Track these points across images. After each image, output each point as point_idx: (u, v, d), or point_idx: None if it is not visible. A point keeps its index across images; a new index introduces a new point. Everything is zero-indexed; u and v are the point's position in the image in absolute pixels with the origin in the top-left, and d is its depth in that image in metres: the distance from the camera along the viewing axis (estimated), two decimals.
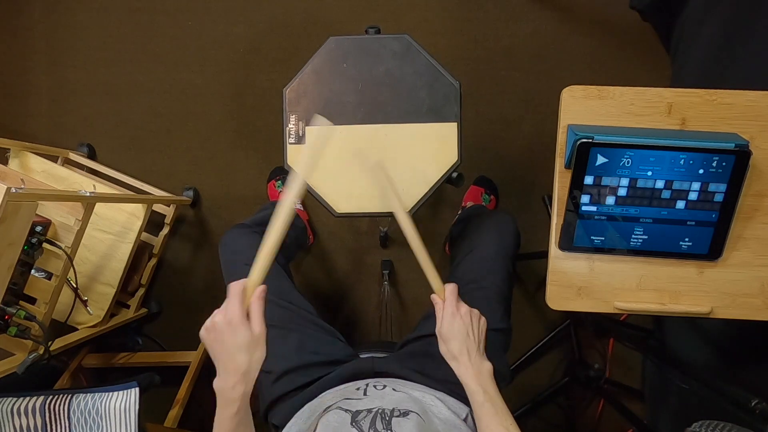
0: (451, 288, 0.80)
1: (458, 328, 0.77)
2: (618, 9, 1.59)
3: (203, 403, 1.73)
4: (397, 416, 0.72)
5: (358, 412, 0.73)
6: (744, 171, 0.81)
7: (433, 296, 0.83)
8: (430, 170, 0.99)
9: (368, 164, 0.89)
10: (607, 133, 0.83)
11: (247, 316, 0.67)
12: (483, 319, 0.82)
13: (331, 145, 1.00)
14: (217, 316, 0.67)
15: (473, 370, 0.75)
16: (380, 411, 0.73)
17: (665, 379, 1.45)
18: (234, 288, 0.68)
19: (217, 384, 0.69)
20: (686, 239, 0.86)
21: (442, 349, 0.79)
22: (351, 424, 0.71)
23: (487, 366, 0.77)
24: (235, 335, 0.65)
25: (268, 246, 0.70)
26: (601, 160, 0.83)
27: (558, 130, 0.89)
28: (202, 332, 0.68)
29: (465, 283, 1.01)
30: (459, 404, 0.86)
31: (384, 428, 0.69)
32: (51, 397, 1.11)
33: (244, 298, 0.68)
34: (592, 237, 0.88)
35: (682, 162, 0.82)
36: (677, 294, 0.89)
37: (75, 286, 1.30)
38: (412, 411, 0.73)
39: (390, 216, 1.03)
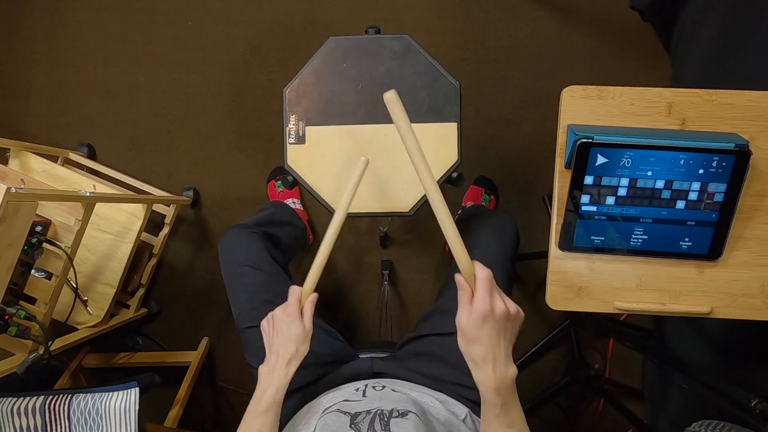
0: (485, 275, 0.65)
1: (488, 333, 0.65)
2: (618, 9, 1.59)
3: (203, 403, 1.73)
4: (396, 417, 0.72)
5: (357, 414, 0.73)
6: (744, 171, 0.81)
7: (458, 277, 0.67)
8: None
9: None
10: (607, 133, 0.83)
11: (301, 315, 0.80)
12: (521, 315, 0.68)
13: (330, 144, 1.00)
14: (278, 311, 0.80)
15: (495, 381, 0.65)
16: (379, 412, 0.73)
17: (665, 379, 1.45)
18: (293, 290, 0.81)
19: (263, 368, 0.78)
20: (686, 239, 0.86)
21: (461, 344, 0.66)
22: (350, 426, 0.71)
23: (512, 373, 0.67)
24: (290, 327, 0.78)
25: (319, 261, 0.82)
26: (601, 160, 0.83)
27: (558, 130, 0.89)
28: (263, 322, 0.81)
29: None
30: (458, 405, 0.86)
31: (382, 429, 0.69)
32: (51, 397, 1.11)
33: (300, 300, 0.81)
34: (592, 237, 0.88)
35: (682, 162, 0.82)
36: (677, 294, 0.89)
37: (75, 286, 1.30)
38: (410, 411, 0.73)
39: (390, 216, 1.03)
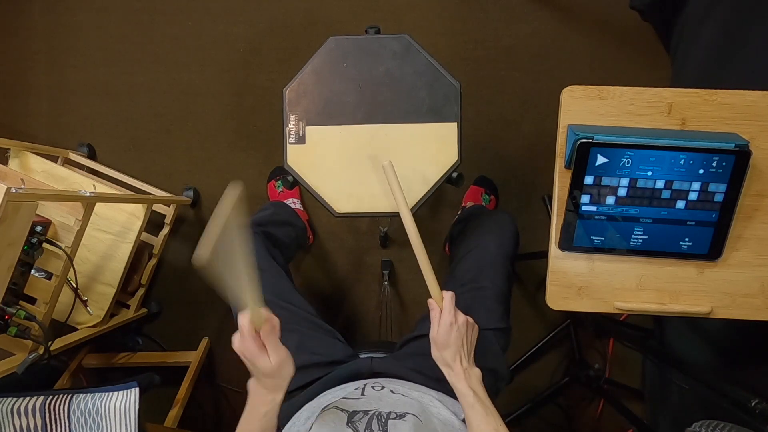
0: (449, 296, 0.82)
1: (455, 339, 0.79)
2: (618, 9, 1.59)
3: (203, 403, 1.73)
4: (394, 418, 0.72)
5: (355, 412, 0.73)
6: (744, 171, 0.81)
7: (430, 301, 0.84)
8: (430, 170, 0.99)
9: (381, 164, 0.89)
10: (607, 133, 0.83)
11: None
12: (476, 327, 0.84)
13: (330, 144, 1.00)
14: (237, 345, 0.70)
15: (464, 373, 0.79)
16: (377, 414, 0.73)
17: (665, 379, 1.45)
18: (242, 325, 0.68)
19: (251, 385, 0.75)
20: (686, 239, 0.86)
21: (435, 354, 0.82)
22: (347, 424, 0.71)
23: (477, 372, 0.81)
24: (256, 366, 0.70)
25: (244, 271, 0.65)
26: (601, 160, 0.83)
27: (558, 130, 0.89)
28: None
29: (464, 283, 1.01)
30: (457, 405, 0.86)
31: (380, 429, 0.70)
32: (51, 397, 1.11)
33: (255, 329, 0.69)
34: (592, 237, 0.88)
35: (682, 162, 0.82)
36: (677, 294, 0.89)
37: (75, 286, 1.30)
38: (408, 413, 0.74)
39: (390, 216, 1.03)
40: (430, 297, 0.85)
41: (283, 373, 0.72)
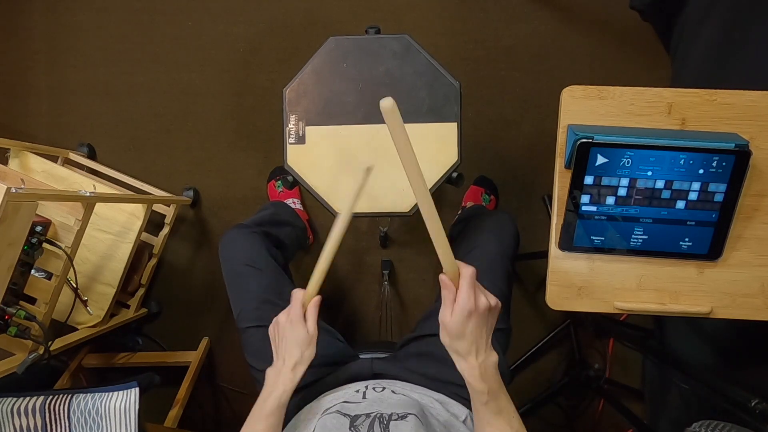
0: (469, 274, 0.66)
1: (472, 329, 0.66)
2: (618, 9, 1.59)
3: (203, 403, 1.73)
4: (396, 419, 0.72)
5: (357, 416, 0.73)
6: (744, 171, 0.81)
7: (442, 277, 0.68)
8: (430, 170, 0.99)
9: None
10: (607, 133, 0.83)
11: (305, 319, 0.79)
12: (500, 305, 0.70)
13: (330, 144, 1.00)
14: (282, 316, 0.79)
15: (479, 369, 0.67)
16: (378, 415, 0.73)
17: (665, 379, 1.45)
18: (296, 295, 0.80)
19: (270, 370, 0.79)
20: (686, 239, 0.86)
21: (444, 340, 0.68)
22: (349, 428, 0.71)
23: (493, 359, 0.68)
24: (294, 332, 0.77)
25: (322, 266, 0.79)
26: (601, 160, 0.83)
27: (558, 130, 0.89)
28: (270, 328, 0.81)
29: None
30: (458, 406, 0.86)
31: (382, 431, 0.70)
32: (51, 397, 1.11)
33: (303, 304, 0.80)
34: (592, 237, 0.88)
35: (682, 162, 0.82)
36: (677, 294, 0.89)
37: (75, 286, 1.30)
38: (410, 413, 0.73)
39: (390, 216, 1.03)
40: (443, 273, 0.69)
41: (310, 348, 0.78)
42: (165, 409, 1.49)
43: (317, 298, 0.81)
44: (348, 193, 0.80)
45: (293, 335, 0.77)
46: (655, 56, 1.59)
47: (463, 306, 0.65)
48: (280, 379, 0.76)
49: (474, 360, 0.67)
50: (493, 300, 0.68)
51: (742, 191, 0.83)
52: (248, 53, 1.69)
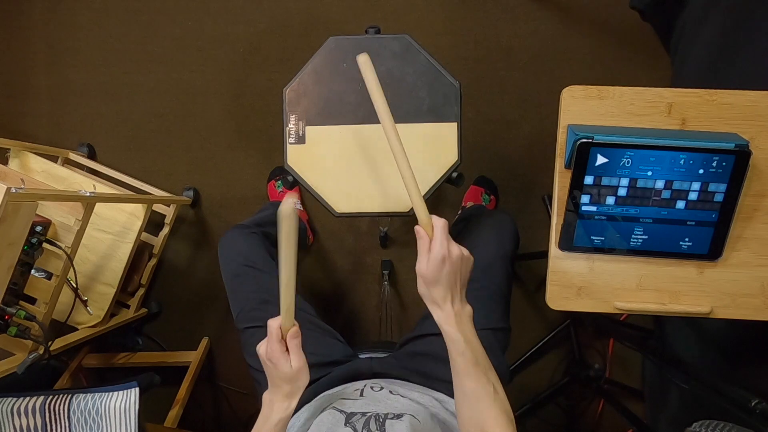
0: (441, 224, 0.71)
1: (446, 274, 0.69)
2: (618, 9, 1.59)
3: (203, 403, 1.73)
4: (392, 418, 0.72)
5: (353, 413, 0.74)
6: (744, 171, 0.81)
7: (417, 228, 0.73)
8: (430, 170, 0.99)
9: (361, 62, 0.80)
10: (607, 133, 0.83)
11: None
12: (471, 259, 0.74)
13: (330, 144, 1.00)
14: (261, 350, 0.74)
15: (455, 317, 0.70)
16: (374, 414, 0.73)
17: (665, 379, 1.45)
18: (271, 329, 0.73)
19: (266, 395, 0.75)
20: (686, 239, 0.86)
21: (422, 290, 0.72)
22: (345, 424, 0.71)
23: (468, 310, 0.72)
24: (277, 370, 0.72)
25: (286, 291, 0.70)
26: (601, 160, 0.83)
27: (558, 130, 0.89)
28: (259, 356, 0.75)
29: None
30: None
31: (377, 429, 0.70)
32: (51, 397, 1.11)
33: (282, 335, 0.73)
34: (592, 237, 0.88)
35: (682, 162, 0.82)
36: (677, 294, 0.89)
37: (75, 286, 1.30)
38: (406, 413, 0.74)
39: (390, 216, 1.03)
40: (417, 225, 0.74)
41: (300, 380, 0.73)
42: (165, 409, 1.49)
43: (294, 329, 0.73)
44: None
45: (277, 373, 0.72)
46: (655, 56, 1.59)
47: (436, 252, 0.69)
48: (275, 407, 0.73)
49: (449, 307, 0.70)
50: (465, 251, 0.72)
51: (742, 191, 0.83)
52: (248, 53, 1.69)
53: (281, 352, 0.72)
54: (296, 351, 0.72)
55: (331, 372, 0.95)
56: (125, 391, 1.11)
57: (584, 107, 0.89)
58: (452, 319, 0.70)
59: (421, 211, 0.73)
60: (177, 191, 1.69)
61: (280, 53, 1.69)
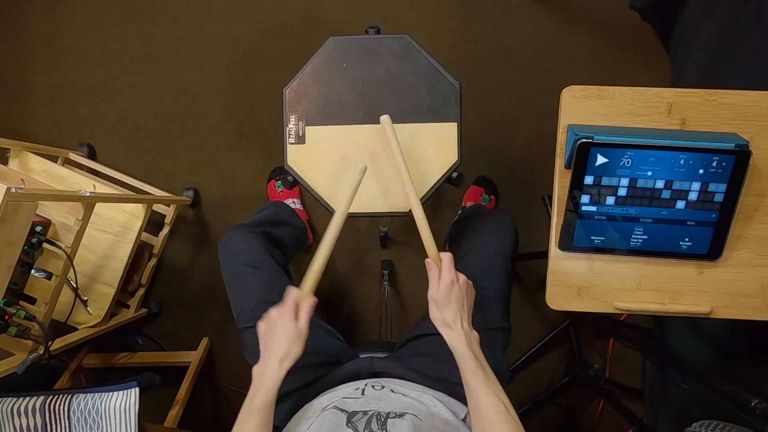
0: (448, 257, 0.81)
1: (455, 298, 0.79)
2: (618, 9, 1.59)
3: (203, 403, 1.73)
4: (393, 417, 0.72)
5: (354, 413, 0.74)
6: (744, 171, 0.81)
7: (428, 261, 0.84)
8: (430, 170, 0.99)
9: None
10: (607, 133, 0.83)
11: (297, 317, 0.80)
12: (474, 290, 0.84)
13: (330, 144, 1.00)
14: (273, 311, 0.80)
15: (466, 337, 0.78)
16: (376, 414, 0.73)
17: (665, 379, 1.45)
18: (290, 292, 0.81)
19: (256, 368, 0.79)
20: (686, 239, 0.86)
21: (434, 315, 0.80)
22: (347, 424, 0.71)
23: (476, 335, 0.80)
24: (283, 326, 0.78)
25: (318, 265, 0.83)
26: (601, 160, 0.83)
27: (558, 130, 0.89)
28: (259, 323, 0.81)
29: None
30: (458, 404, 0.86)
31: (379, 429, 0.70)
32: (51, 397, 1.11)
33: (297, 302, 0.80)
34: (592, 237, 0.88)
35: (682, 162, 0.82)
36: (677, 294, 0.89)
37: (75, 286, 1.30)
38: (408, 412, 0.74)
39: (390, 216, 1.03)
40: (428, 258, 0.84)
41: (297, 345, 0.78)
42: (165, 409, 1.49)
43: (312, 299, 0.81)
44: (344, 192, 0.86)
45: (282, 329, 0.77)
46: (655, 56, 1.59)
47: (446, 278, 0.79)
48: (267, 372, 0.76)
49: (460, 327, 0.78)
50: (469, 280, 0.83)
51: (742, 191, 0.83)
52: (248, 53, 1.70)
53: (291, 312, 0.78)
54: (305, 317, 0.79)
55: (331, 371, 0.95)
56: (125, 391, 1.11)
57: (584, 107, 0.89)
58: (463, 339, 0.77)
59: (431, 247, 0.84)
60: (177, 191, 1.69)
61: (280, 53, 1.69)
